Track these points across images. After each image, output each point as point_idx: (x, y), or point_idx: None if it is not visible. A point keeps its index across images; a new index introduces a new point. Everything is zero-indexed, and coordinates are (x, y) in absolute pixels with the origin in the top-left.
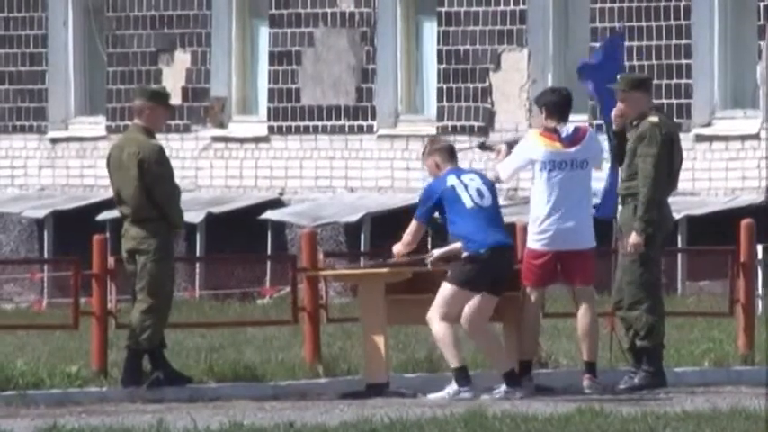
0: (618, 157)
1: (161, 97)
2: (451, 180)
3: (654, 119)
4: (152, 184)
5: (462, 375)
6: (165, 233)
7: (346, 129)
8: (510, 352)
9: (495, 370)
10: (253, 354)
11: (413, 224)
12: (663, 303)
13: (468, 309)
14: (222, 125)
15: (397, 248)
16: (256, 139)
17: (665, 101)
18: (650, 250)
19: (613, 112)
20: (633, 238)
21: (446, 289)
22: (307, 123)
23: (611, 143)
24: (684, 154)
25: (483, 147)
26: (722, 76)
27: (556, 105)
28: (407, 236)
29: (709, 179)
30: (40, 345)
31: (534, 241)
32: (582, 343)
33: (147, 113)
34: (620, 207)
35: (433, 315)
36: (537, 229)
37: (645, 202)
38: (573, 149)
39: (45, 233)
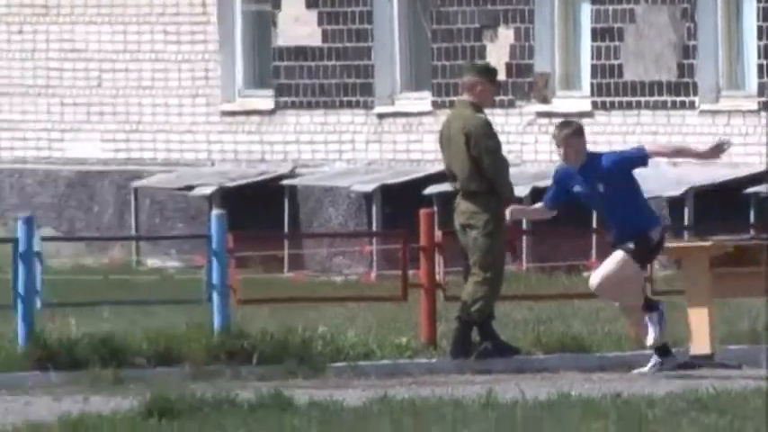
0: None
1: (491, 73)
2: None
3: None
4: (480, 157)
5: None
6: (495, 207)
7: (668, 104)
8: None
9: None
10: (579, 326)
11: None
12: None
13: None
14: (546, 100)
15: None
16: (580, 114)
17: None
18: None
19: None
20: None
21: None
22: (629, 99)
23: None
24: None
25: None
26: None
27: None
28: None
29: None
30: (370, 316)
31: None
32: None
33: (478, 89)
34: None
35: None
36: None
37: None
38: None
39: (373, 207)
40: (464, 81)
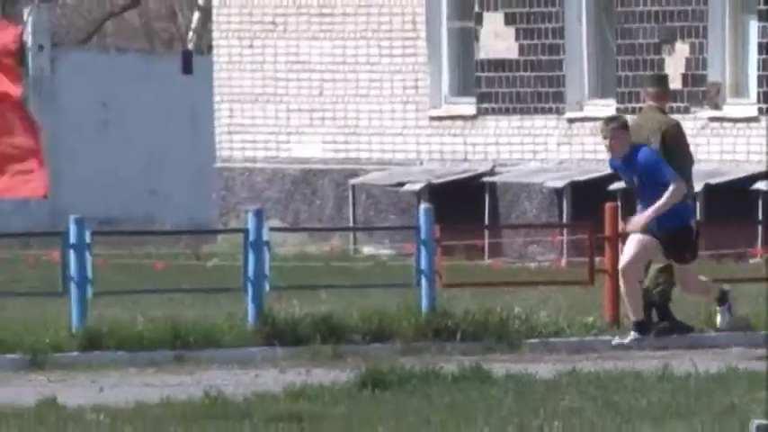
0: None
1: (667, 82)
2: None
3: None
4: (671, 154)
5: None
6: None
7: None
8: None
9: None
10: (747, 306)
11: (678, 186)
12: None
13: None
14: (717, 107)
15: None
16: (748, 119)
17: None
18: None
19: None
20: None
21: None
22: None
23: None
24: None
25: None
26: None
27: None
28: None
29: None
30: (561, 299)
31: None
32: None
33: (662, 97)
34: None
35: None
36: None
37: None
38: None
39: (563, 201)
40: (650, 90)
